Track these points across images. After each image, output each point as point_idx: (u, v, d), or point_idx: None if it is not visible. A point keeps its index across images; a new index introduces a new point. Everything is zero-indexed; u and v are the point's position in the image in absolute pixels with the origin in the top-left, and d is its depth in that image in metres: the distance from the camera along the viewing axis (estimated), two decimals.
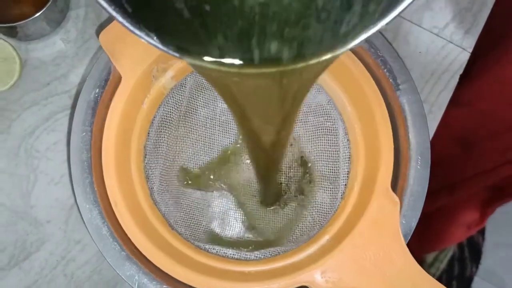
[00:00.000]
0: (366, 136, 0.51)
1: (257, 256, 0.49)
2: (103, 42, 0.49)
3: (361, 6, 0.25)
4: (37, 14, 0.52)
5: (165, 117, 0.53)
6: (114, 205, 0.47)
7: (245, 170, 0.57)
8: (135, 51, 0.49)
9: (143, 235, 0.47)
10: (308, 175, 0.55)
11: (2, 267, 0.53)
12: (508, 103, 0.74)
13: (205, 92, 0.55)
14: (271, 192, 0.55)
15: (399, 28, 0.59)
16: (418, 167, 0.49)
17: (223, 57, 0.25)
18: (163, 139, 0.53)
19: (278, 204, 0.56)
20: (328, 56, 0.25)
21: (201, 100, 0.55)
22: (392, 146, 0.48)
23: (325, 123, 0.54)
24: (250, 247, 0.51)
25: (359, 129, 0.51)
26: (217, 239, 0.53)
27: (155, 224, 0.49)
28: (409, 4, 0.23)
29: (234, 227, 0.55)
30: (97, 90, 0.51)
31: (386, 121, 0.49)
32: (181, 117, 0.54)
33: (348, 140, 0.52)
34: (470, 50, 0.59)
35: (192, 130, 0.56)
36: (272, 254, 0.49)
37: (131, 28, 0.24)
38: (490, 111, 0.77)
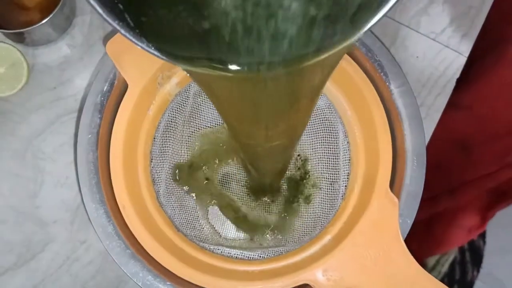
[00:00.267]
0: (366, 139, 0.52)
1: (260, 256, 0.50)
2: (110, 52, 0.50)
3: None
4: (44, 21, 0.53)
5: (170, 122, 0.54)
6: (122, 208, 0.48)
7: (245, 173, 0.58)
8: (141, 59, 0.50)
9: (150, 237, 0.48)
10: (309, 176, 0.56)
11: (10, 266, 0.54)
12: (507, 106, 0.75)
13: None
14: (270, 190, 0.57)
15: (397, 33, 0.61)
16: (414, 167, 0.51)
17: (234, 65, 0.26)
18: (169, 143, 0.54)
19: (280, 205, 0.57)
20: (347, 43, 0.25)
21: (204, 105, 0.57)
22: (391, 149, 0.50)
23: (326, 126, 0.55)
24: (255, 248, 0.52)
25: (359, 132, 0.53)
26: (221, 240, 0.54)
27: (161, 226, 0.50)
28: None
29: (237, 230, 0.56)
30: (103, 93, 0.52)
31: (385, 124, 0.50)
32: (186, 122, 0.56)
33: (348, 142, 0.53)
34: (467, 54, 0.61)
35: (196, 134, 0.57)
36: (275, 254, 0.50)
37: (143, 46, 0.26)
38: (489, 114, 0.78)
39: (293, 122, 0.37)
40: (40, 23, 0.53)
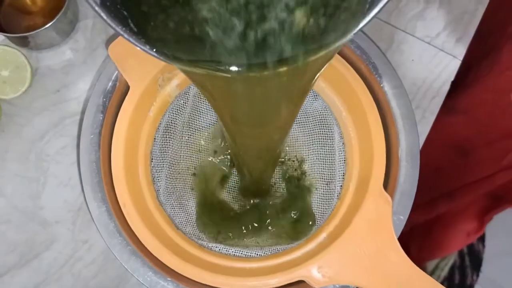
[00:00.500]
0: (361, 140, 0.53)
1: (257, 254, 0.51)
2: (112, 55, 0.52)
3: None
4: (48, 25, 0.54)
5: (170, 124, 0.56)
6: (123, 206, 0.49)
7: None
8: (142, 62, 0.52)
9: (150, 234, 0.49)
10: (306, 177, 0.57)
11: (13, 265, 0.55)
12: (502, 111, 0.76)
13: None
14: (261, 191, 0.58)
15: (393, 37, 0.62)
16: (408, 166, 0.52)
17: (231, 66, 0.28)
18: (169, 144, 0.56)
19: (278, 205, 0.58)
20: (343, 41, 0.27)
21: (204, 106, 0.58)
22: (384, 150, 0.51)
23: (322, 128, 0.56)
24: (254, 245, 0.53)
25: (354, 133, 0.54)
26: (219, 238, 0.55)
27: (161, 224, 0.51)
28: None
29: (236, 228, 0.57)
30: (106, 95, 0.54)
31: (379, 126, 0.51)
32: (185, 123, 0.57)
33: (343, 143, 0.55)
34: (461, 58, 0.62)
35: (196, 135, 0.58)
36: (272, 252, 0.51)
37: (148, 51, 0.27)
38: (485, 118, 0.79)
39: (280, 118, 0.38)
40: (44, 28, 0.54)
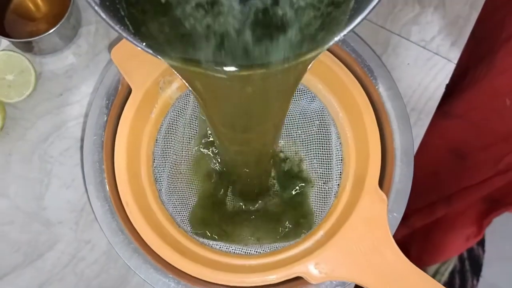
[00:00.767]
0: (357, 140, 0.55)
1: (256, 251, 0.52)
2: (115, 58, 0.53)
3: None
4: (51, 31, 0.55)
5: (172, 125, 0.57)
6: (125, 205, 0.51)
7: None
8: (144, 65, 0.53)
9: (152, 232, 0.50)
10: (304, 176, 0.58)
11: (17, 265, 0.56)
12: (498, 115, 0.77)
13: None
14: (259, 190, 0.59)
15: (389, 41, 0.63)
16: (403, 165, 0.53)
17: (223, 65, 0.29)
18: (170, 144, 0.57)
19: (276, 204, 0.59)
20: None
21: None
22: (380, 149, 0.52)
23: (320, 128, 0.58)
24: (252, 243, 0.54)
25: (350, 133, 0.55)
26: (220, 237, 0.56)
27: (163, 222, 0.52)
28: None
29: (235, 227, 0.58)
30: (108, 97, 0.55)
31: (374, 126, 0.53)
32: (186, 124, 0.58)
33: (340, 143, 0.56)
34: (455, 61, 0.63)
35: (196, 136, 0.60)
36: (271, 249, 0.52)
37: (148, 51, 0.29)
38: (482, 122, 0.80)
39: (268, 117, 0.40)
40: (47, 33, 0.55)
